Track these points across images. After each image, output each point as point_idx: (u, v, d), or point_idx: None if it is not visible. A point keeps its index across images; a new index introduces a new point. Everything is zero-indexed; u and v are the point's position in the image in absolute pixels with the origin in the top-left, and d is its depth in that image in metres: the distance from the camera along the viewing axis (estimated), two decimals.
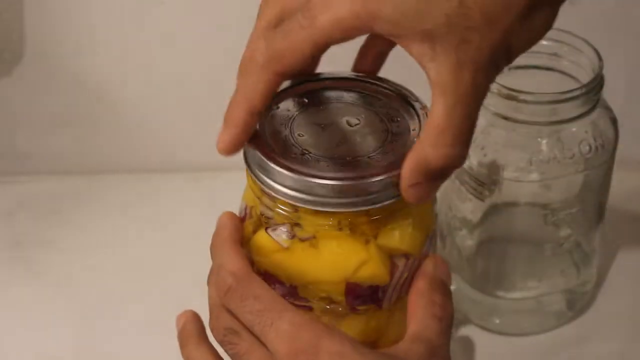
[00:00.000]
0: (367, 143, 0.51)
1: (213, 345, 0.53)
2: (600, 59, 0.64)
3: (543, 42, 0.65)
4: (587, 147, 0.64)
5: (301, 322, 0.48)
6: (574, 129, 0.64)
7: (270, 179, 0.50)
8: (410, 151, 0.47)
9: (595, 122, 0.64)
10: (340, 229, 0.50)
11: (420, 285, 0.52)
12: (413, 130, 0.51)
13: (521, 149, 0.64)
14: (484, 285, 0.70)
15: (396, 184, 0.48)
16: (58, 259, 0.77)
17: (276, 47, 0.47)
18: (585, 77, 0.64)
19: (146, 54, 0.80)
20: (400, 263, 0.52)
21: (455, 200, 0.68)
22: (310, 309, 0.52)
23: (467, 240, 0.69)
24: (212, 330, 0.52)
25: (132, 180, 0.84)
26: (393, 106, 0.53)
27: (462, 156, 0.46)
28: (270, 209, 0.51)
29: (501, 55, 0.46)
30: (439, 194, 0.57)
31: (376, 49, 0.54)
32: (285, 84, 0.54)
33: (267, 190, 0.50)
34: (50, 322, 0.72)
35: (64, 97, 0.82)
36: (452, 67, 0.44)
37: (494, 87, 0.62)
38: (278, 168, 0.49)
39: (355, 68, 0.56)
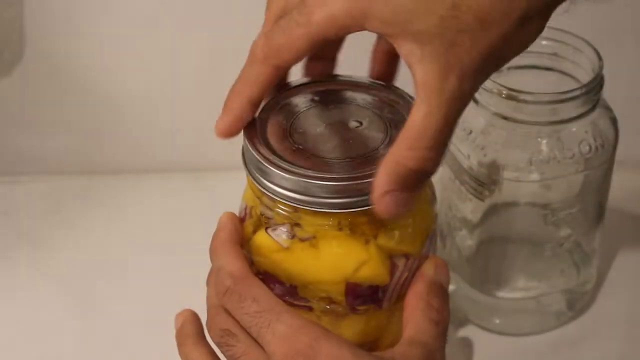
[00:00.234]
0: (368, 144, 0.51)
1: (211, 345, 0.53)
2: (600, 59, 0.64)
3: (543, 42, 0.65)
4: (587, 147, 0.64)
5: (299, 325, 0.48)
6: (574, 129, 0.64)
7: (269, 180, 0.50)
8: (386, 155, 0.46)
9: (595, 122, 0.64)
10: (340, 229, 0.50)
11: (418, 288, 0.52)
12: None
13: (521, 149, 0.64)
14: (484, 285, 0.70)
15: None
16: (58, 259, 0.77)
17: (274, 42, 0.48)
18: (585, 77, 0.64)
19: (146, 54, 0.80)
20: (400, 263, 0.52)
21: (455, 200, 0.68)
22: (310, 309, 0.52)
23: (467, 240, 0.69)
24: (209, 331, 0.52)
25: (132, 180, 0.84)
26: (399, 113, 0.53)
27: (436, 161, 0.46)
28: (270, 209, 0.51)
29: (491, 62, 0.45)
30: (439, 194, 0.57)
31: (383, 50, 0.55)
32: (289, 83, 0.54)
33: (266, 192, 0.50)
34: (50, 322, 0.72)
35: (64, 97, 0.82)
36: (439, 70, 0.44)
37: (494, 87, 0.62)
38: (276, 170, 0.49)
39: (371, 72, 0.56)
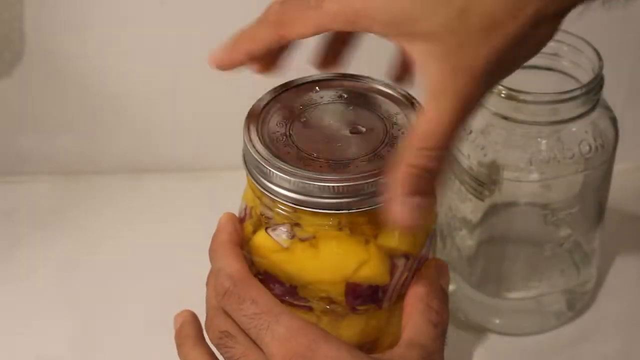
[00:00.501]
0: (367, 145, 0.51)
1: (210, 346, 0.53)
2: (600, 59, 0.64)
3: None
4: (587, 147, 0.64)
5: (298, 326, 0.48)
6: (574, 129, 0.64)
7: (269, 181, 0.50)
8: (397, 159, 0.46)
9: (595, 122, 0.64)
10: (340, 229, 0.50)
11: (418, 289, 0.52)
12: None
13: (521, 149, 0.64)
14: (484, 285, 0.70)
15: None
16: (58, 259, 0.77)
17: (287, 14, 0.49)
18: (585, 77, 0.64)
19: (146, 54, 0.80)
20: (400, 263, 0.52)
21: (455, 200, 0.68)
22: (310, 309, 0.52)
23: (467, 240, 0.69)
24: (208, 332, 0.52)
25: (132, 180, 0.84)
26: (397, 110, 0.53)
27: (443, 164, 0.46)
28: (270, 209, 0.51)
29: (502, 65, 0.45)
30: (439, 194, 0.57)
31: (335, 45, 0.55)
32: (289, 83, 0.54)
33: (266, 192, 0.50)
34: (50, 322, 0.72)
35: (64, 97, 0.82)
36: (450, 70, 0.44)
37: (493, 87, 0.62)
38: (276, 171, 0.49)
39: (317, 63, 0.55)
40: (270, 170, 0.49)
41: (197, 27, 0.79)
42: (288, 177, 0.49)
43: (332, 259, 0.51)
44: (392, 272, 0.52)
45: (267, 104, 0.53)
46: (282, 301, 0.52)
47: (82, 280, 0.75)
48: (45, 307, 0.73)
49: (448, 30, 0.44)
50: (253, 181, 0.51)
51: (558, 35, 0.65)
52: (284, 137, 0.51)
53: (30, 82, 0.81)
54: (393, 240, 0.51)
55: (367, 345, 0.54)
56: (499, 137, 0.64)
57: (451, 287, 0.68)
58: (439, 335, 0.51)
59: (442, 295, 0.52)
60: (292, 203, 0.49)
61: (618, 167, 0.68)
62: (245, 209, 0.54)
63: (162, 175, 0.85)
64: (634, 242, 0.78)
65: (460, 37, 0.44)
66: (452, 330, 0.69)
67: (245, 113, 0.53)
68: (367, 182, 0.48)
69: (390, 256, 0.51)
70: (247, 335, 0.49)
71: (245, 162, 0.52)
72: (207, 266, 0.53)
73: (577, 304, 0.72)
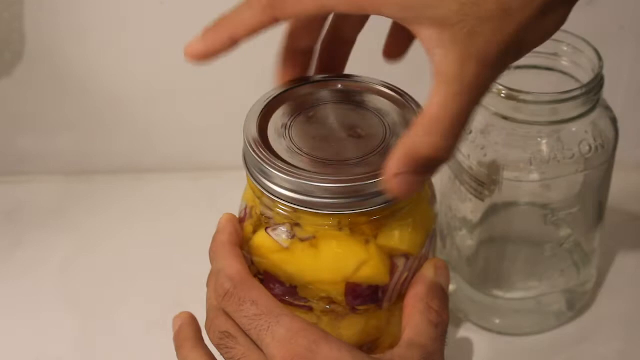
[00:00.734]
0: (367, 145, 0.51)
1: (209, 348, 0.53)
2: (600, 59, 0.64)
3: None
4: (587, 147, 0.64)
5: (298, 328, 0.48)
6: (574, 129, 0.64)
7: (269, 181, 0.50)
8: (400, 139, 0.46)
9: (595, 122, 0.64)
10: (340, 229, 0.50)
11: (418, 289, 0.52)
12: None
13: (521, 149, 0.64)
14: (484, 285, 0.70)
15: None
16: (58, 259, 0.77)
17: None
18: (585, 77, 0.64)
19: (146, 54, 0.80)
20: (400, 263, 0.52)
21: (455, 200, 0.68)
22: (310, 309, 0.52)
23: (467, 240, 0.69)
24: (208, 333, 0.52)
25: (132, 180, 0.84)
26: (398, 112, 0.53)
27: (451, 149, 0.45)
28: (270, 209, 0.51)
29: (510, 51, 0.45)
30: (439, 194, 0.57)
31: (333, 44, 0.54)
32: (289, 84, 0.54)
33: (266, 192, 0.50)
34: (50, 322, 0.72)
35: (64, 97, 0.82)
36: (458, 57, 0.44)
37: (494, 87, 0.62)
38: (276, 171, 0.49)
39: (321, 67, 0.55)
40: (270, 170, 0.49)
41: (197, 27, 0.79)
42: (288, 177, 0.49)
43: (332, 259, 0.51)
44: (392, 272, 0.52)
45: (268, 103, 0.53)
46: (282, 301, 0.52)
47: (82, 280, 0.75)
48: (45, 307, 0.73)
49: (459, 17, 0.43)
50: (253, 181, 0.51)
51: (558, 35, 0.65)
52: (285, 137, 0.51)
53: (30, 82, 0.81)
54: (393, 240, 0.51)
55: (367, 345, 0.54)
56: (499, 137, 0.64)
57: (451, 287, 0.68)
58: (439, 336, 0.51)
59: (442, 295, 0.52)
60: (292, 203, 0.49)
61: (618, 167, 0.68)
62: (245, 209, 0.54)
63: (162, 175, 0.85)
64: (634, 242, 0.78)
65: (471, 23, 0.43)
66: (452, 330, 0.70)
67: (246, 113, 0.53)
68: (367, 183, 0.48)
69: (390, 256, 0.51)
70: (247, 336, 0.49)
71: (245, 162, 0.52)
72: (207, 266, 0.53)
73: (577, 304, 0.72)
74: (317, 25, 0.52)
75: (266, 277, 0.52)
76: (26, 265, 0.77)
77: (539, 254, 0.68)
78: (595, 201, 0.68)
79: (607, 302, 0.73)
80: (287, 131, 0.52)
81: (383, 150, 0.50)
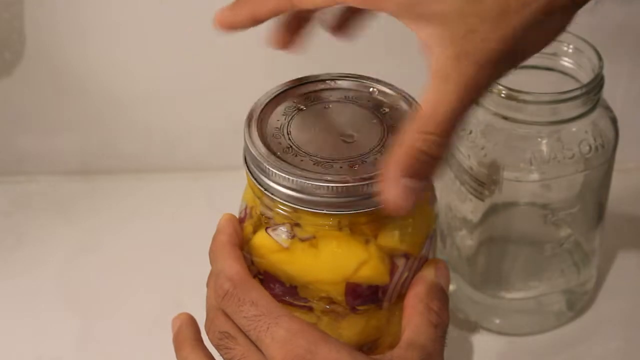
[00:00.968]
0: (367, 145, 0.51)
1: (209, 349, 0.53)
2: (600, 59, 0.64)
3: None
4: (587, 147, 0.64)
5: (297, 328, 0.48)
6: (574, 129, 0.64)
7: (269, 181, 0.50)
8: (397, 140, 0.46)
9: (595, 122, 0.64)
10: (340, 229, 0.50)
11: (418, 290, 0.52)
12: None
13: (521, 149, 0.64)
14: (484, 285, 0.70)
15: None
16: (58, 258, 0.77)
17: None
18: (585, 77, 0.64)
19: (146, 54, 0.80)
20: (400, 263, 0.52)
21: (455, 200, 0.68)
22: (310, 309, 0.52)
23: (467, 240, 0.69)
24: (207, 333, 0.52)
25: (132, 180, 0.84)
26: (395, 109, 0.53)
27: (445, 146, 0.45)
28: (270, 209, 0.51)
29: (509, 55, 0.45)
30: (439, 194, 0.57)
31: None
32: (289, 83, 0.54)
33: (266, 192, 0.50)
34: (50, 322, 0.72)
35: (64, 97, 0.82)
36: (455, 55, 0.44)
37: (494, 87, 0.62)
38: (276, 171, 0.49)
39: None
40: (270, 169, 0.49)
41: (197, 27, 0.79)
42: (288, 177, 0.49)
43: (332, 259, 0.51)
44: (392, 272, 0.52)
45: (268, 103, 0.53)
46: (282, 301, 0.52)
47: (82, 280, 0.75)
48: (45, 307, 0.73)
49: (459, 14, 0.44)
50: (253, 181, 0.51)
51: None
52: (285, 136, 0.51)
53: (30, 82, 0.81)
54: (393, 240, 0.51)
55: (367, 345, 0.54)
56: (499, 137, 0.64)
57: (451, 287, 0.68)
58: (438, 336, 0.50)
59: (442, 296, 0.52)
60: (292, 203, 0.49)
61: (618, 167, 0.68)
62: (246, 209, 0.54)
63: (162, 175, 0.85)
64: (634, 242, 0.78)
65: (470, 22, 0.44)
66: (452, 330, 0.70)
67: (246, 113, 0.53)
68: (367, 183, 0.48)
69: (390, 256, 0.51)
70: (247, 336, 0.49)
71: (245, 161, 0.52)
72: (207, 266, 0.53)
73: (577, 304, 0.72)
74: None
75: (266, 277, 0.52)
76: (26, 264, 0.77)
77: (539, 254, 0.68)
78: (595, 201, 0.68)
79: (607, 302, 0.73)
80: (286, 131, 0.52)
81: (382, 149, 0.50)
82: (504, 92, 0.62)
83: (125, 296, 0.74)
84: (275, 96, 0.54)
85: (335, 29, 0.54)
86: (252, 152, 0.50)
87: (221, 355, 0.51)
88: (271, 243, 0.51)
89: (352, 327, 0.53)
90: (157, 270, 0.75)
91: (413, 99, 0.53)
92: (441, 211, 0.69)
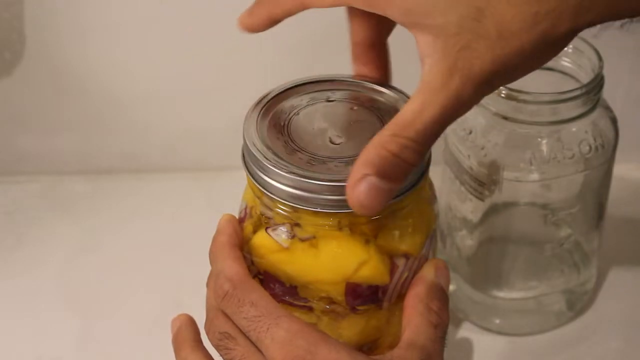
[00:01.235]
0: (366, 143, 0.51)
1: (208, 350, 0.53)
2: (600, 59, 0.64)
3: None
4: (587, 147, 0.64)
5: (297, 329, 0.48)
6: (574, 129, 0.64)
7: (269, 180, 0.50)
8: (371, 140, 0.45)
9: (595, 122, 0.64)
10: (340, 229, 0.50)
11: (418, 290, 0.52)
12: None
13: (521, 149, 0.64)
14: (484, 285, 0.70)
15: None
16: (58, 258, 0.77)
17: None
18: (585, 77, 0.64)
19: (146, 54, 0.80)
20: (400, 263, 0.52)
21: (455, 200, 0.68)
22: (310, 309, 0.52)
23: (467, 240, 0.69)
24: (207, 334, 0.52)
25: (133, 180, 0.84)
26: (395, 109, 0.53)
27: (418, 155, 0.45)
28: (270, 209, 0.51)
29: (501, 75, 0.45)
30: (439, 194, 0.57)
31: (366, 42, 0.54)
32: (288, 83, 0.54)
33: (266, 192, 0.50)
34: (50, 322, 0.72)
35: (63, 97, 0.82)
36: (446, 68, 0.44)
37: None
38: (276, 170, 0.49)
39: (358, 69, 0.55)
40: (270, 168, 0.49)
41: (197, 27, 0.79)
42: (288, 176, 0.49)
43: (332, 259, 0.51)
44: (392, 272, 0.52)
45: (267, 103, 0.53)
46: (282, 301, 0.52)
47: (82, 280, 0.75)
48: (45, 307, 0.73)
49: (458, 29, 0.44)
50: (253, 180, 0.51)
51: None
52: (284, 136, 0.51)
53: (30, 82, 0.81)
54: (393, 240, 0.51)
55: (367, 345, 0.54)
56: (499, 137, 0.64)
57: (451, 287, 0.68)
58: (438, 337, 0.50)
59: (442, 296, 0.52)
60: (292, 202, 0.49)
61: (618, 167, 0.68)
62: (245, 209, 0.54)
63: (162, 175, 0.85)
64: (634, 242, 0.78)
65: (467, 38, 0.44)
66: (452, 331, 0.70)
67: (245, 113, 0.53)
68: None
69: (390, 256, 0.51)
70: (247, 337, 0.49)
71: (244, 161, 0.52)
72: (207, 266, 0.53)
73: (577, 304, 0.72)
74: (368, 17, 0.53)
75: (266, 277, 0.52)
76: (26, 264, 0.77)
77: (539, 254, 0.68)
78: (595, 201, 0.68)
79: (607, 302, 0.73)
80: (286, 130, 0.52)
81: None
82: (504, 92, 0.62)
83: (125, 296, 0.74)
84: (275, 96, 0.54)
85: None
86: (252, 151, 0.50)
87: (221, 355, 0.51)
88: (271, 243, 0.51)
89: (352, 327, 0.53)
90: (157, 270, 0.75)
91: None
92: (441, 211, 0.69)
